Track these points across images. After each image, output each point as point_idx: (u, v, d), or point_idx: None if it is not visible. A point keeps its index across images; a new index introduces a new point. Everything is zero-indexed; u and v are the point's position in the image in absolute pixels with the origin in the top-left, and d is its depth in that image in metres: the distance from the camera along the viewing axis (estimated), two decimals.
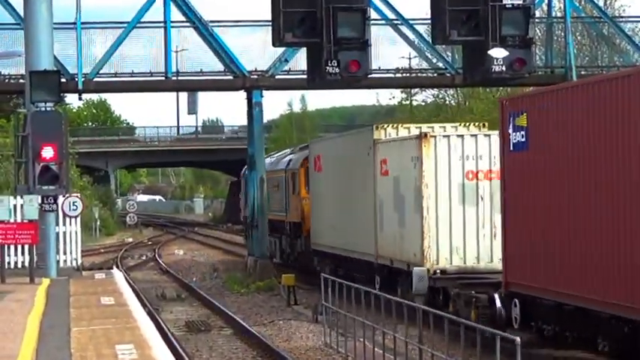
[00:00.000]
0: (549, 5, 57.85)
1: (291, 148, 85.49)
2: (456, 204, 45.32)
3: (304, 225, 69.38)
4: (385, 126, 53.98)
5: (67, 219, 46.97)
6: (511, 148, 37.33)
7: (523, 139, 36.26)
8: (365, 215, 52.48)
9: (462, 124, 50.42)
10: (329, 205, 60.99)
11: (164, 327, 38.03)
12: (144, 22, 57.47)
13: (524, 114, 37.13)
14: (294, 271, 61.78)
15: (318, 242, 61.80)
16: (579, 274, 32.30)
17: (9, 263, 45.47)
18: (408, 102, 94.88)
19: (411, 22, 57.52)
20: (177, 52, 58.28)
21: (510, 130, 37.17)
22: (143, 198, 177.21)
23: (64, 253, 46.84)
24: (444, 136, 47.26)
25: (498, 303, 38.28)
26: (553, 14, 58.72)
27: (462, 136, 47.29)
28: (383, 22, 56.89)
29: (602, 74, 54.98)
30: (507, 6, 51.59)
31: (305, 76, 55.38)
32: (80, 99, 67.54)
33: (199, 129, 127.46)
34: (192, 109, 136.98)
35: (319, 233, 62.81)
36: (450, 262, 43.79)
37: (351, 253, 55.63)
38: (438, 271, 43.19)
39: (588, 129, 32.18)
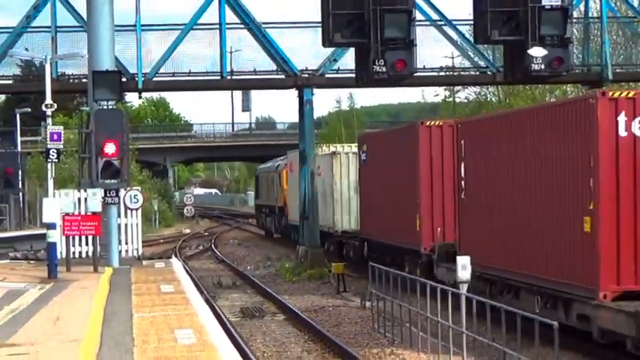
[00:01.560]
0: (586, 6, 57.64)
1: (281, 157, 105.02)
2: (352, 194, 72.16)
3: (285, 208, 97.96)
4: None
5: (129, 211, 47.36)
6: (362, 162, 66.10)
7: (365, 158, 64.82)
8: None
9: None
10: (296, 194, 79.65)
11: (220, 313, 38.38)
12: (200, 24, 57.65)
13: (365, 144, 66.29)
14: (279, 237, 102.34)
15: (293, 218, 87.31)
16: (384, 226, 59.34)
17: (74, 253, 45.80)
18: (451, 99, 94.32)
19: (454, 22, 57.49)
20: (231, 52, 58.43)
21: (361, 152, 65.84)
22: (200, 191, 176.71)
23: (126, 244, 47.21)
24: (345, 153, 74.45)
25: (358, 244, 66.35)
26: (590, 15, 58.59)
27: (355, 152, 70.75)
28: (427, 22, 56.90)
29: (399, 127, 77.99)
30: (546, 7, 51.58)
31: (353, 75, 55.53)
32: (140, 97, 68.55)
33: (253, 125, 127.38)
34: (246, 107, 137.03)
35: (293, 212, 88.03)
36: (349, 227, 71.47)
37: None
38: (340, 231, 72.47)
39: (389, 155, 59.62)
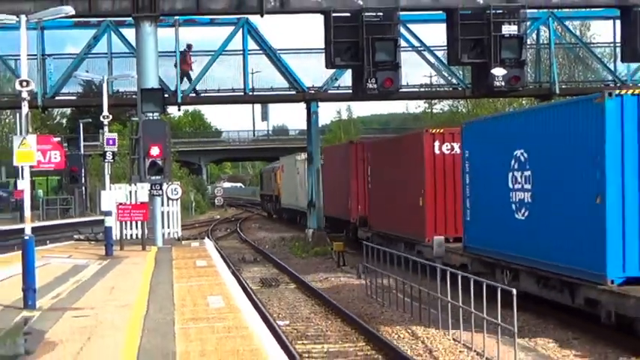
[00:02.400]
0: (538, 34, 57.57)
1: (276, 162, 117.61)
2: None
3: (279, 196, 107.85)
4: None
5: (170, 201, 47.43)
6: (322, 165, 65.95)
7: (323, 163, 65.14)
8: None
9: None
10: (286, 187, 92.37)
11: (244, 283, 38.48)
12: (227, 51, 57.50)
13: (323, 154, 66.99)
14: (279, 219, 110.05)
15: (285, 203, 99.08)
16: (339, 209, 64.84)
17: (126, 235, 45.99)
18: (429, 110, 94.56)
19: (431, 48, 57.34)
20: (252, 73, 58.25)
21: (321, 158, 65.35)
22: (227, 185, 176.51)
23: (168, 227, 47.25)
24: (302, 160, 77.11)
25: None
26: (541, 41, 58.53)
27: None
28: (410, 48, 56.81)
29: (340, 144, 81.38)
30: (505, 35, 51.59)
31: (350, 91, 55.51)
32: (179, 110, 67.69)
33: (270, 132, 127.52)
34: (264, 117, 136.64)
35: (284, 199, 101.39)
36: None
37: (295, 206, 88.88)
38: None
39: (334, 162, 66.09)
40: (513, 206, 31.52)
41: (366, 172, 57.43)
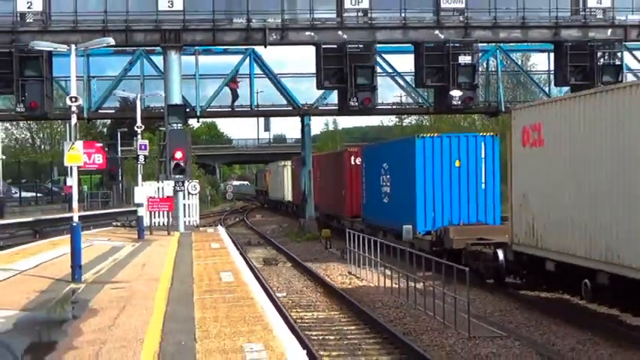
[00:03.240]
0: (487, 63, 57.55)
1: (267, 167, 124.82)
2: None
3: (267, 191, 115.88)
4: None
5: (190, 195, 47.53)
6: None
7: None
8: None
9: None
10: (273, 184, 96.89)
11: (250, 262, 38.49)
12: (238, 75, 57.63)
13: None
14: (274, 210, 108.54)
15: (272, 196, 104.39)
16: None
17: (155, 223, 46.04)
18: (399, 124, 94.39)
19: (401, 73, 57.26)
20: (257, 92, 58.35)
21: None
22: (236, 183, 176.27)
23: (188, 216, 47.26)
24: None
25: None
26: (490, 69, 58.48)
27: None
28: (384, 73, 56.73)
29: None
30: (461, 64, 51.65)
31: (337, 107, 55.50)
32: (198, 122, 67.58)
33: (271, 140, 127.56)
34: (266, 128, 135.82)
35: (271, 193, 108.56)
36: None
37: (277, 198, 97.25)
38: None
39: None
40: (382, 195, 45.99)
41: (317, 174, 66.01)
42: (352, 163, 56.49)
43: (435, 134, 41.64)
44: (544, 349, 20.12)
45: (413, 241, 36.28)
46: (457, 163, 38.01)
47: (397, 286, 29.83)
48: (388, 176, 44.82)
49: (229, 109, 59.13)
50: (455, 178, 38.26)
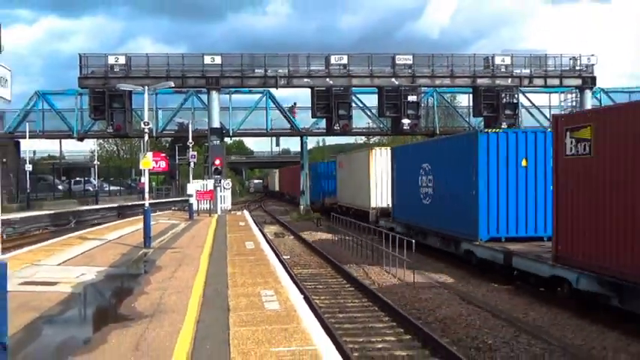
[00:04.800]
0: (427, 101, 57.52)
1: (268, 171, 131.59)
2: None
3: (268, 186, 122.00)
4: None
5: (224, 190, 47.35)
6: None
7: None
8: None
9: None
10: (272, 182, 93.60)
11: (266, 235, 38.40)
12: (257, 107, 57.55)
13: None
14: (278, 200, 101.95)
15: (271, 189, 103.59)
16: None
17: (201, 208, 45.88)
18: (368, 141, 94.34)
19: (369, 107, 57.15)
20: (271, 120, 58.11)
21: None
22: (256, 181, 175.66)
23: (223, 203, 47.05)
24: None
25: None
26: (429, 104, 58.35)
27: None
28: (358, 107, 56.67)
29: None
30: (410, 101, 51.74)
31: (325, 130, 55.59)
32: (230, 139, 67.12)
33: (280, 152, 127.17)
34: (277, 144, 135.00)
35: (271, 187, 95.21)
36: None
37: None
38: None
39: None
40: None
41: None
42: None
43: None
44: (465, 294, 20.08)
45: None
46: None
47: (367, 251, 29.85)
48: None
49: (251, 131, 59.24)
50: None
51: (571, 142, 16.86)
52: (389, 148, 42.36)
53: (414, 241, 23.57)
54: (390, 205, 36.56)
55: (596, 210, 15.91)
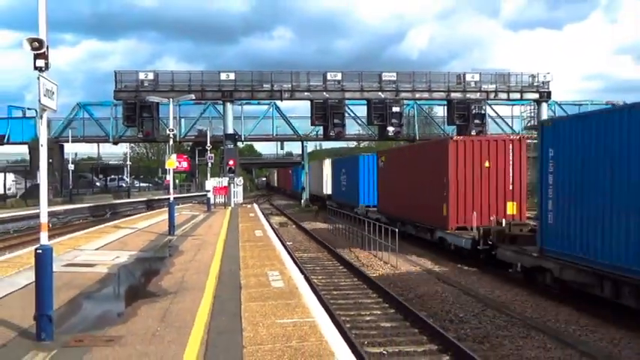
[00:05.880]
0: (409, 112, 57.38)
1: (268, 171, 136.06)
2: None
3: (270, 183, 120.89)
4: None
5: (237, 186, 47.33)
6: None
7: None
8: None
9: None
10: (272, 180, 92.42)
11: (272, 224, 38.32)
12: (265, 117, 57.43)
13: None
14: (289, 196, 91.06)
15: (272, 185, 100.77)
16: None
17: (217, 201, 45.80)
18: (358, 146, 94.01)
19: (360, 117, 56.99)
20: (277, 127, 57.97)
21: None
22: (263, 179, 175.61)
23: (236, 198, 46.95)
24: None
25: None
26: (410, 114, 58.26)
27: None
28: (350, 116, 56.52)
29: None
30: (394, 112, 51.71)
31: (322, 136, 55.48)
32: (242, 143, 66.92)
33: (284, 154, 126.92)
34: (282, 147, 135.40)
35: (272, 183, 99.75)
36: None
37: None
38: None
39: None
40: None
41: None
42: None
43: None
44: (434, 273, 20.07)
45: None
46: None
47: (357, 238, 29.82)
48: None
49: (259, 136, 59.18)
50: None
51: None
52: (330, 159, 55.74)
53: (397, 230, 23.60)
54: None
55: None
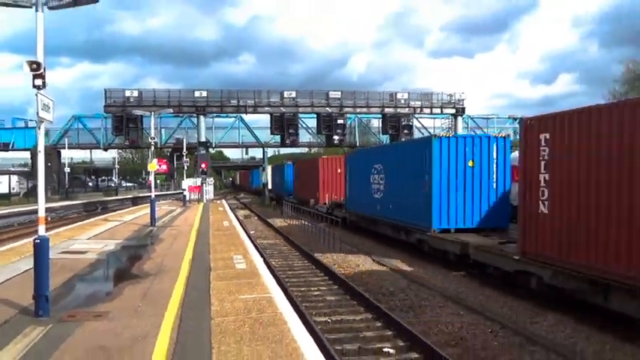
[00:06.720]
0: (350, 123, 57.56)
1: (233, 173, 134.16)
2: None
3: (235, 182, 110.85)
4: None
5: (208, 185, 46.90)
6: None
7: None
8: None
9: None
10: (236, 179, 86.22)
11: (238, 217, 38.04)
12: (232, 127, 56.95)
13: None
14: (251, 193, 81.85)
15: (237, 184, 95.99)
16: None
17: (191, 198, 45.25)
18: (309, 152, 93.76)
19: (310, 127, 56.91)
20: (243, 136, 57.43)
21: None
22: (230, 179, 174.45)
23: (207, 195, 46.49)
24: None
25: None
26: (352, 125, 58.48)
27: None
28: (302, 127, 56.43)
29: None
30: (338, 123, 51.95)
31: (280, 143, 55.31)
32: (213, 150, 66.08)
33: (248, 159, 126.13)
34: (246, 153, 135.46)
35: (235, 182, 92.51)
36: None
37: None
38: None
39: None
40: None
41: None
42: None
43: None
44: (374, 255, 20.20)
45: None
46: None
47: (308, 226, 29.84)
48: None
49: (228, 143, 58.51)
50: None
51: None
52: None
53: (339, 219, 23.58)
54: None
55: None
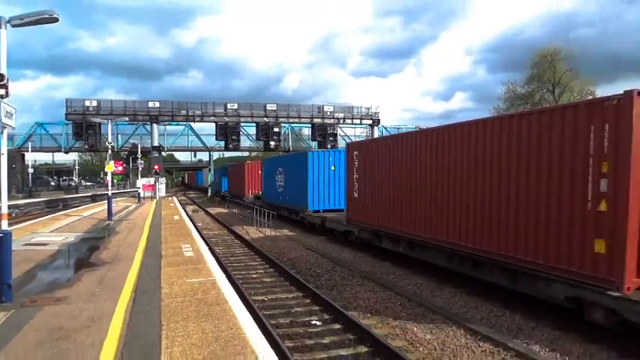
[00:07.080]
0: (285, 131, 57.28)
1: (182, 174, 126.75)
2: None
3: (188, 183, 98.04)
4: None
5: (161, 184, 45.59)
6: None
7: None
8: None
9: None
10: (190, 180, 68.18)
11: (187, 211, 37.16)
12: (182, 134, 55.63)
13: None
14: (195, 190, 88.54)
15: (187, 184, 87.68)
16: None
17: (145, 195, 43.73)
18: (250, 155, 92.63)
19: (251, 134, 56.24)
20: (191, 141, 56.23)
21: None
22: (180, 179, 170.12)
23: (160, 192, 45.19)
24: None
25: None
26: (287, 133, 58.26)
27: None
28: (244, 134, 55.63)
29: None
30: (275, 131, 51.55)
31: (224, 148, 54.33)
32: (165, 153, 64.10)
33: (197, 161, 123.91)
34: (195, 156, 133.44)
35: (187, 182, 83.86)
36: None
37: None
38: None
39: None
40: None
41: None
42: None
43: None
44: (305, 243, 20.28)
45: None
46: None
47: (246, 218, 29.58)
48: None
49: (179, 148, 56.97)
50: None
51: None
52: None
53: (273, 213, 23.68)
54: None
55: None
